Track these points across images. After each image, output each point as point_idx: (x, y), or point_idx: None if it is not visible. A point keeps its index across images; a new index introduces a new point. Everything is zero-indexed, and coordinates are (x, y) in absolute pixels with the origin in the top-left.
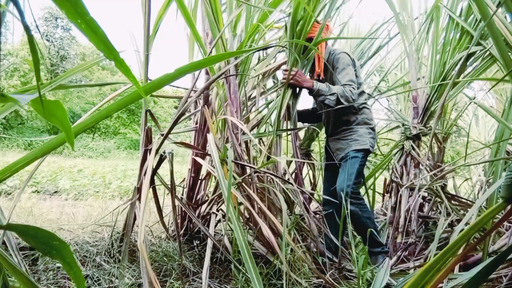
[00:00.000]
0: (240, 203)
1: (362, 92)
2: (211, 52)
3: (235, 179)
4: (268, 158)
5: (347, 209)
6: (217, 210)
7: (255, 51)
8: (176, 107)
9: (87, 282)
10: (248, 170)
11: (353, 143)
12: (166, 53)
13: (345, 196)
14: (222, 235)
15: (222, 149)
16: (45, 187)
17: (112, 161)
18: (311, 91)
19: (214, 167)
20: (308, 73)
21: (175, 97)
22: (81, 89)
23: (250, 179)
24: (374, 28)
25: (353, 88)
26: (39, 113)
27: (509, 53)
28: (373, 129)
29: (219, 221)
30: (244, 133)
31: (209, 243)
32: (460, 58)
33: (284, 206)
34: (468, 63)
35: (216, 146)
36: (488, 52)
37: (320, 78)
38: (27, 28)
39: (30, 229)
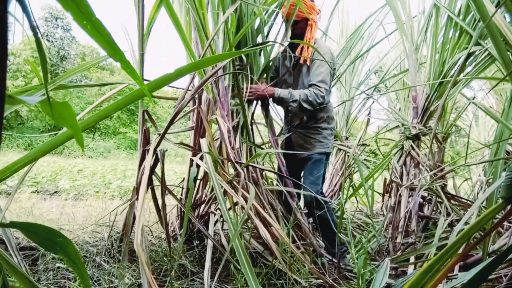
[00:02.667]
0: (236, 203)
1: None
2: (204, 54)
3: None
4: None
5: (317, 215)
6: (216, 209)
7: (251, 50)
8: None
9: None
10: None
11: (317, 145)
12: (161, 52)
13: (315, 201)
14: (220, 234)
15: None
16: (45, 187)
17: (112, 161)
18: (273, 99)
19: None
20: (290, 59)
21: (171, 98)
22: (80, 89)
23: (243, 179)
24: (367, 22)
25: (321, 90)
26: (47, 115)
27: (508, 53)
28: (332, 129)
29: (217, 220)
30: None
31: (209, 244)
32: (459, 58)
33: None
34: (467, 63)
35: (208, 148)
36: (487, 52)
37: (307, 64)
38: (34, 29)
39: (33, 226)
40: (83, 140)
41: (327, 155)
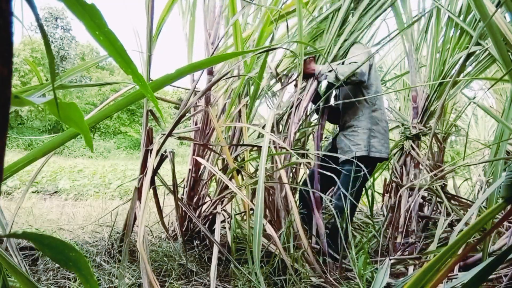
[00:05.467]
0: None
1: (376, 91)
2: (213, 52)
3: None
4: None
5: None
6: (222, 210)
7: (261, 52)
8: (176, 107)
9: None
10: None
11: (354, 148)
12: (167, 52)
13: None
14: (222, 234)
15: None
16: (45, 187)
17: (112, 161)
18: (315, 75)
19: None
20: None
21: (174, 102)
22: (80, 89)
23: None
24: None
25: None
26: (54, 115)
27: (509, 53)
28: (378, 132)
29: (222, 221)
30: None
31: (215, 247)
32: (460, 58)
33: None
34: (467, 63)
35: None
36: (487, 52)
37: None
38: (43, 31)
39: (45, 238)
40: (92, 141)
41: (371, 160)
